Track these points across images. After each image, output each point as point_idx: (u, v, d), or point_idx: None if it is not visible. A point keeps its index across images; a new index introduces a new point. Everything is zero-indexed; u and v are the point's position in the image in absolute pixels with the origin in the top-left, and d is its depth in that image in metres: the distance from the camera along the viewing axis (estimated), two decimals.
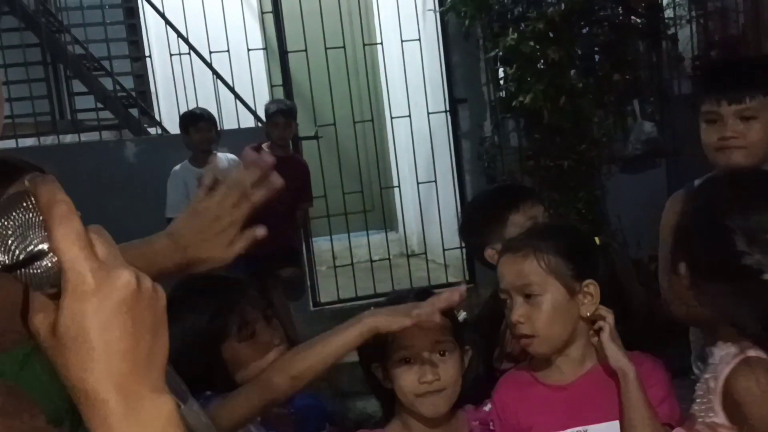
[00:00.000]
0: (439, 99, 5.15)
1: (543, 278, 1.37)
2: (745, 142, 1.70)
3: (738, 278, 1.22)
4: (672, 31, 5.10)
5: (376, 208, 5.36)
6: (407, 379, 1.36)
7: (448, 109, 5.12)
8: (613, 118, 4.74)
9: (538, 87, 4.49)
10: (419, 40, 5.12)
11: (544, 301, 1.37)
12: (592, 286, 1.38)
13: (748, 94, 1.69)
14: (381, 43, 5.54)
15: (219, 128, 4.47)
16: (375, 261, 5.07)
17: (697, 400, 1.31)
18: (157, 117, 5.17)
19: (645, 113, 4.97)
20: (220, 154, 4.34)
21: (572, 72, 4.68)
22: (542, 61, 4.54)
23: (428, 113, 5.13)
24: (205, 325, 1.43)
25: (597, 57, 4.86)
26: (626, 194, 4.68)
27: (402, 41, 5.19)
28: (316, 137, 5.04)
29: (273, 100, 4.72)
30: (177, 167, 4.29)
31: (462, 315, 1.46)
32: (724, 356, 1.27)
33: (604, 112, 4.76)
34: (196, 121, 4.27)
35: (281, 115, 4.39)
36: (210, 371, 1.39)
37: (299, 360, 1.30)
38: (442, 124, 5.14)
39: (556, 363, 1.42)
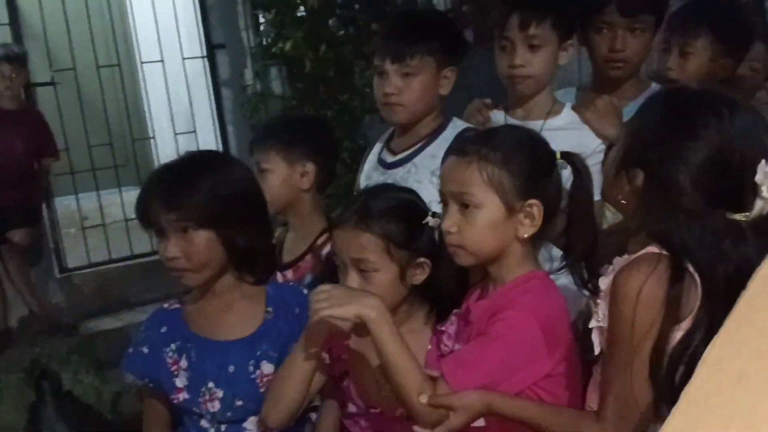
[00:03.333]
0: (194, 44, 4.83)
1: (482, 190, 1.29)
2: (403, 99, 1.76)
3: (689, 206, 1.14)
4: None
5: (130, 163, 4.92)
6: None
7: (205, 54, 4.82)
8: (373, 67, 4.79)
9: (298, 34, 4.39)
10: None
11: (479, 214, 1.29)
12: (535, 208, 1.30)
13: (410, 53, 1.73)
14: None
15: None
16: (130, 220, 4.66)
17: (593, 310, 1.25)
18: None
19: None
20: None
21: (332, 20, 4.63)
22: (302, 7, 4.43)
23: (183, 59, 4.78)
24: None
25: (357, 6, 4.85)
26: None
27: None
28: (52, 83, 4.48)
29: None
30: None
31: (432, 221, 1.41)
32: (625, 259, 1.21)
33: (365, 62, 4.79)
34: None
35: (5, 63, 3.91)
36: None
37: None
38: (199, 70, 4.83)
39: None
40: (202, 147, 4.88)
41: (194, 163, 1.51)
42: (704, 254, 1.13)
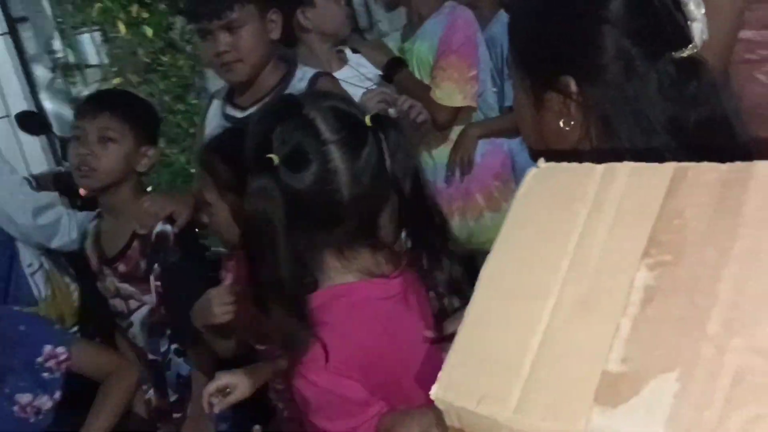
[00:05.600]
0: None
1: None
2: (238, 54, 1.70)
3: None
4: None
5: None
6: None
7: (6, 30, 4.43)
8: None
9: None
10: None
11: None
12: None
13: (228, 6, 1.67)
14: None
15: None
16: None
17: None
18: None
19: None
20: None
21: None
22: None
23: None
24: None
25: None
26: None
27: None
28: None
29: None
30: None
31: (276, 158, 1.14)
32: None
33: (184, 18, 4.70)
34: None
35: None
36: None
37: None
38: (3, 49, 4.44)
39: None
40: (21, 131, 4.53)
41: None
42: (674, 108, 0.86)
